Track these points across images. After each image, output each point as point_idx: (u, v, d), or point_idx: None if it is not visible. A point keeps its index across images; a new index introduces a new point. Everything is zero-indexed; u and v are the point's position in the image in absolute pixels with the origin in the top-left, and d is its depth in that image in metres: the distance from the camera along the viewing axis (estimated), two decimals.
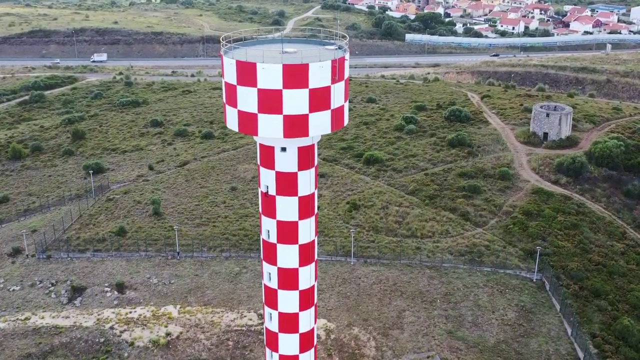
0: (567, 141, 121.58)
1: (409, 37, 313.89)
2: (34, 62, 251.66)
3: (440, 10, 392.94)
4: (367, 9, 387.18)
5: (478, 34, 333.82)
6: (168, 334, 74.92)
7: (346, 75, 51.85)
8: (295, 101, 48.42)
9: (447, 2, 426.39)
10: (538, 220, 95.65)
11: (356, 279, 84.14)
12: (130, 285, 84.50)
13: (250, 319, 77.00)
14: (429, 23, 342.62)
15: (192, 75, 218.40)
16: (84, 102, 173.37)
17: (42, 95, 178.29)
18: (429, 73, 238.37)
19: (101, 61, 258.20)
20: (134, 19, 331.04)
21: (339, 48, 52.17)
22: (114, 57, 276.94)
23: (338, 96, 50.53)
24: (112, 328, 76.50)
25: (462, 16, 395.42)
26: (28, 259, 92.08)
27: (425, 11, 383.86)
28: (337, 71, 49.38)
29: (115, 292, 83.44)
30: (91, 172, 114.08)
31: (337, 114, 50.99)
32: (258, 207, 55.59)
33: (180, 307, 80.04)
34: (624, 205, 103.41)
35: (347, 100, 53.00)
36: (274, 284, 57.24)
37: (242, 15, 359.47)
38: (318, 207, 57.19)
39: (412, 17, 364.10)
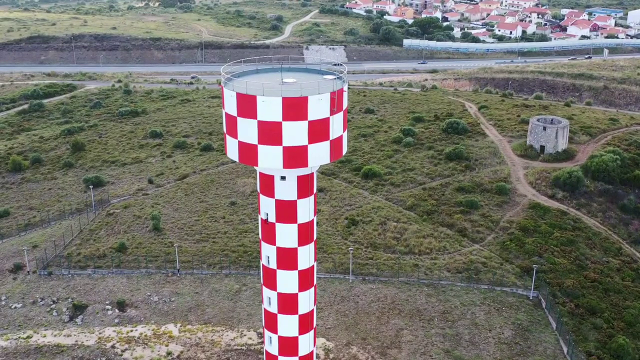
0: (564, 154, 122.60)
1: (406, 42, 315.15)
2: (33, 69, 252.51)
3: (438, 14, 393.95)
4: (365, 14, 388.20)
5: (476, 39, 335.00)
6: (169, 354, 75.72)
7: (345, 106, 52.75)
8: (295, 133, 49.44)
9: (444, 6, 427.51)
10: (534, 236, 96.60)
11: (355, 296, 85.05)
12: (131, 303, 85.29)
13: (250, 338, 77.83)
14: (426, 28, 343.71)
15: (191, 83, 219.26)
16: (83, 111, 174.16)
17: (41, 104, 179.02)
18: (426, 80, 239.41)
19: None
20: (132, 24, 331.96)
21: (337, 78, 52.90)
22: (113, 63, 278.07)
23: (337, 127, 51.50)
24: (113, 347, 77.29)
25: (459, 20, 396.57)
26: (29, 275, 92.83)
27: (423, 16, 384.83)
28: (335, 103, 50.29)
29: (116, 310, 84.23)
30: (91, 186, 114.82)
31: (335, 144, 51.98)
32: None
33: (181, 326, 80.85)
34: (619, 220, 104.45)
35: (346, 130, 53.90)
36: (273, 308, 58.26)
37: (240, 20, 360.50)
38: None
39: (410, 21, 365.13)
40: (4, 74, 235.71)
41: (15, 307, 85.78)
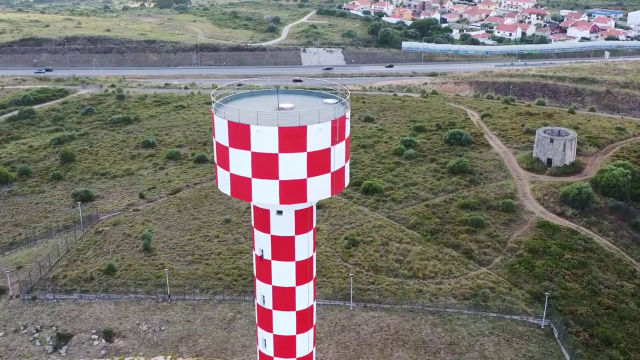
0: (572, 167, 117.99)
1: (405, 44, 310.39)
2: (25, 72, 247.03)
3: (437, 15, 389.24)
4: (362, 15, 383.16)
5: (475, 41, 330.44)
6: None
7: (347, 134, 48.01)
8: (293, 165, 44.70)
9: (443, 7, 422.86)
10: (544, 258, 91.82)
11: (356, 326, 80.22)
12: (118, 333, 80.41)
13: None
14: (425, 29, 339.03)
15: (186, 88, 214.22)
16: (74, 118, 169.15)
17: (31, 110, 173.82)
18: (426, 83, 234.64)
19: None
20: (127, 25, 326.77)
21: (339, 102, 48.09)
22: (107, 66, 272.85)
23: (338, 158, 46.80)
24: None
25: (458, 21, 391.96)
26: (12, 300, 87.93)
27: (422, 17, 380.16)
28: (337, 132, 45.57)
29: (103, 341, 79.34)
30: (79, 202, 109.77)
31: (337, 176, 47.34)
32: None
33: (171, 358, 76.04)
34: (632, 240, 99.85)
35: (348, 160, 49.20)
36: (269, 351, 53.75)
37: (236, 21, 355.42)
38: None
39: (408, 22, 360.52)
40: None
41: None
